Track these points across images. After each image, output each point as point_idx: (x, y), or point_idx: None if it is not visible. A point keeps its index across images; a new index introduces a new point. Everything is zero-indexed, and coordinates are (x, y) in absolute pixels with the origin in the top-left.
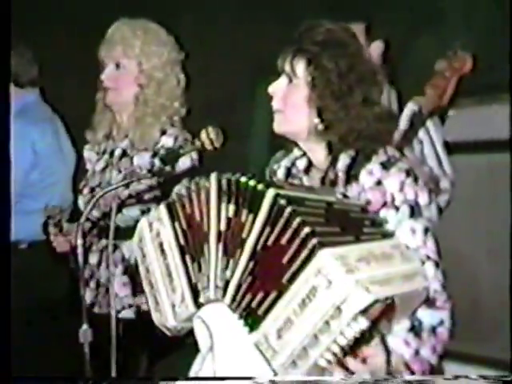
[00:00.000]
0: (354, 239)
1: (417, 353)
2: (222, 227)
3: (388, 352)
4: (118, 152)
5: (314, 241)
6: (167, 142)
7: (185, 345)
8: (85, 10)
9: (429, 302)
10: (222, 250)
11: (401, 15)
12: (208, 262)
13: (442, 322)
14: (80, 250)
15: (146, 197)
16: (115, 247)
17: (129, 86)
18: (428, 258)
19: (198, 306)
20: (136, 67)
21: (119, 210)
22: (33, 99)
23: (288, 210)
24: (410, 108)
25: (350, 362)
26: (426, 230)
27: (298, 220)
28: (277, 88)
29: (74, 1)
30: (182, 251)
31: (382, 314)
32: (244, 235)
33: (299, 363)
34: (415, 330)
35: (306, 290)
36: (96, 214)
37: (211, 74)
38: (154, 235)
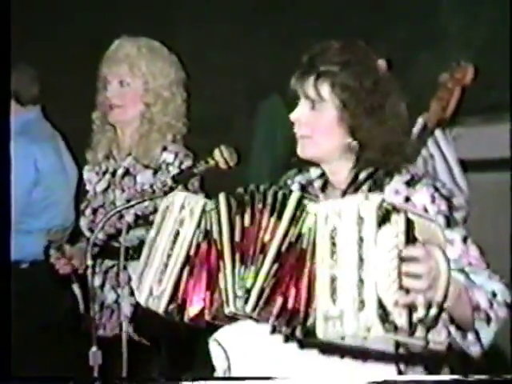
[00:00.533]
0: None
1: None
2: (238, 238)
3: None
4: (120, 171)
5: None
6: (168, 157)
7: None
8: (86, 27)
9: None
10: (238, 259)
11: (401, 32)
12: (225, 276)
13: (495, 293)
14: (90, 271)
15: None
16: (119, 270)
17: (135, 104)
18: (470, 264)
19: (167, 313)
20: (142, 85)
21: (127, 230)
22: (34, 117)
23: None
24: (419, 123)
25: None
26: (465, 239)
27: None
28: (300, 114)
29: (74, 18)
30: (187, 258)
31: (407, 233)
32: (266, 239)
33: (366, 298)
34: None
35: (327, 240)
36: (99, 235)
37: (208, 92)
38: (179, 219)
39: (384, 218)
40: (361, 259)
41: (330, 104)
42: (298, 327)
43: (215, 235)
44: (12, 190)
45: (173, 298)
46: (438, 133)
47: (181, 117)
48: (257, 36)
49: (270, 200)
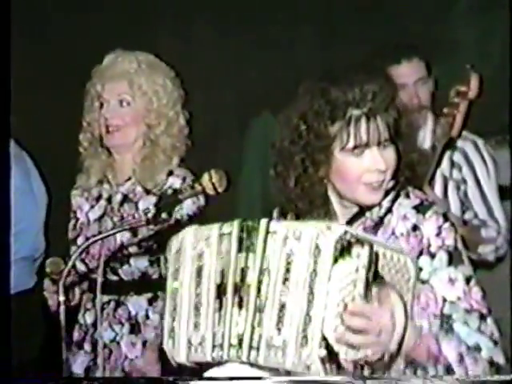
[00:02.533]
0: None
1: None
2: (238, 278)
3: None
4: (118, 197)
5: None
6: (175, 183)
7: None
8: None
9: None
10: (237, 304)
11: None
12: (224, 316)
13: (478, 347)
14: (62, 308)
15: (155, 246)
16: (118, 303)
17: (136, 125)
18: (469, 311)
19: (215, 357)
20: (144, 105)
21: (127, 261)
22: None
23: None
24: (426, 143)
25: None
26: (469, 279)
27: None
28: (392, 160)
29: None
30: (218, 290)
31: (368, 267)
32: (249, 280)
33: (309, 335)
34: (446, 329)
35: (283, 263)
36: (90, 266)
37: (197, 108)
38: (196, 255)
39: (343, 252)
40: (311, 293)
41: (389, 142)
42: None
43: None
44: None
45: (215, 337)
46: (472, 154)
47: (185, 138)
48: (247, 49)
49: (251, 236)
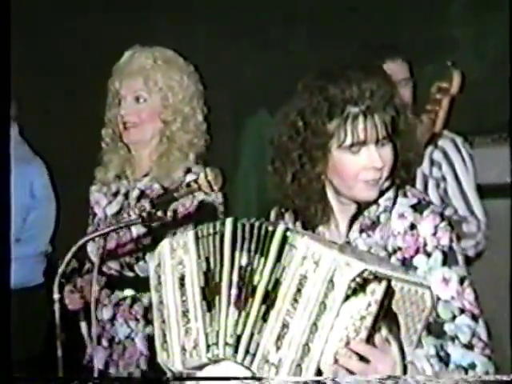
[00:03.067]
0: None
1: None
2: (235, 277)
3: (403, 356)
4: (135, 193)
5: (294, 235)
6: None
7: None
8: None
9: (466, 346)
10: (233, 302)
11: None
12: (218, 315)
13: (473, 365)
14: (57, 306)
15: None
16: (134, 300)
17: (152, 122)
18: (462, 311)
19: (210, 357)
20: (160, 101)
21: (143, 257)
22: (14, 136)
23: (293, 237)
24: None
25: (352, 363)
26: (463, 280)
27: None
28: (389, 158)
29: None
30: (204, 292)
31: (381, 303)
32: (255, 282)
33: (304, 365)
34: (441, 358)
35: (296, 282)
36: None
37: None
38: (176, 263)
39: (356, 290)
40: (315, 324)
41: (387, 140)
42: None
43: (214, 265)
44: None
45: (208, 337)
46: (452, 152)
47: (202, 134)
48: (244, 49)
49: (259, 238)
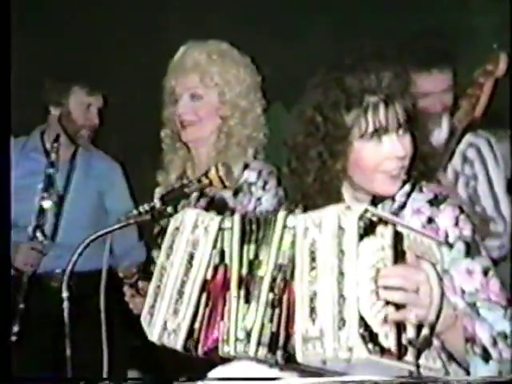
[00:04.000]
0: None
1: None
2: (244, 271)
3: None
4: (195, 193)
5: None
6: (250, 176)
7: None
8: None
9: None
10: (243, 296)
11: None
12: (229, 312)
13: (505, 335)
14: (66, 304)
15: None
16: None
17: (210, 119)
18: (488, 301)
19: (186, 349)
20: (217, 97)
21: None
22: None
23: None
24: (444, 128)
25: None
26: (487, 271)
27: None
28: (409, 149)
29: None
30: (204, 284)
31: (395, 247)
32: (262, 273)
33: (346, 316)
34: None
35: (307, 253)
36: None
37: None
38: (191, 240)
39: (367, 230)
40: (341, 273)
41: (408, 129)
42: (278, 352)
43: (227, 260)
44: None
45: (191, 330)
46: (486, 151)
47: (261, 127)
48: (259, 41)
49: (264, 229)
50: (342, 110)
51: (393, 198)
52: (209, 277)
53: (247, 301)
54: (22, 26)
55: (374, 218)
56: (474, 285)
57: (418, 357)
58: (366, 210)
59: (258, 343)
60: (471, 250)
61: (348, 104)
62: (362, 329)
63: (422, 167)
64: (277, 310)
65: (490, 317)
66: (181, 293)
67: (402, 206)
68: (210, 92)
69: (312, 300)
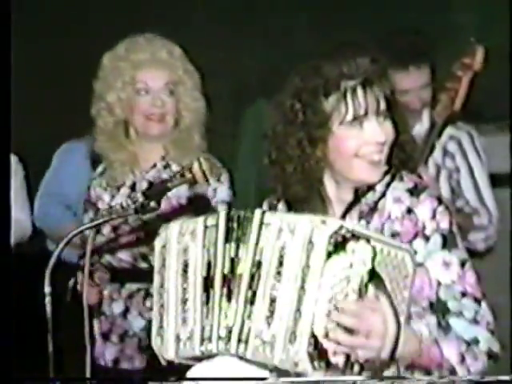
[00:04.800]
0: None
1: (437, 342)
2: (226, 270)
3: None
4: (144, 184)
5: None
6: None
7: None
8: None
9: (470, 321)
10: (225, 295)
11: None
12: (212, 309)
13: (476, 340)
14: (48, 300)
15: None
16: (148, 292)
17: (173, 112)
18: (464, 294)
19: (204, 351)
20: (181, 91)
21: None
22: None
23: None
24: (424, 121)
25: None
26: (463, 263)
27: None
28: (389, 134)
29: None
30: (206, 283)
31: (364, 263)
32: (240, 271)
33: (298, 331)
34: (442, 326)
35: (276, 255)
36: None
37: None
38: (182, 249)
39: (337, 247)
40: (303, 288)
41: (388, 115)
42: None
43: (211, 258)
44: None
45: (204, 330)
46: (467, 144)
47: (207, 123)
48: (244, 37)
49: (243, 227)
50: (320, 97)
51: (373, 188)
52: (205, 274)
53: (229, 299)
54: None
55: (348, 235)
56: (450, 276)
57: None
58: (341, 227)
59: (239, 340)
60: (448, 243)
61: (326, 90)
62: (312, 347)
63: (402, 156)
64: (255, 307)
65: (460, 326)
66: (184, 300)
67: (382, 196)
68: (178, 86)
69: (271, 303)
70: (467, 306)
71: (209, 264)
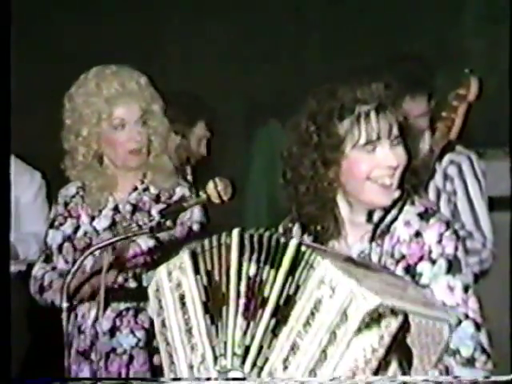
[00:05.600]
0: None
1: None
2: (243, 288)
3: None
4: (128, 207)
5: (314, 255)
6: (185, 192)
7: None
8: None
9: (468, 361)
10: (241, 313)
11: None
12: (226, 326)
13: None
14: (65, 315)
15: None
16: (138, 310)
17: (146, 142)
18: (467, 317)
19: (219, 368)
20: (153, 121)
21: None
22: None
23: (313, 256)
24: (424, 148)
25: None
26: (467, 288)
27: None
28: (403, 158)
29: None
30: (206, 307)
31: (395, 337)
32: (266, 293)
33: None
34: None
35: (311, 305)
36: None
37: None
38: (174, 286)
39: (370, 323)
40: (324, 352)
41: (400, 140)
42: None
43: (220, 277)
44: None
45: (214, 349)
46: (466, 167)
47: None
48: (255, 59)
49: (269, 249)
50: (334, 120)
51: (387, 211)
52: (204, 298)
53: (245, 317)
54: None
55: (385, 311)
56: (454, 300)
57: None
58: (380, 305)
59: (254, 363)
60: (453, 268)
61: (341, 113)
62: None
63: (415, 181)
64: (278, 341)
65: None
66: (189, 330)
67: (395, 219)
68: (148, 117)
69: (293, 348)
70: (465, 342)
71: (207, 287)
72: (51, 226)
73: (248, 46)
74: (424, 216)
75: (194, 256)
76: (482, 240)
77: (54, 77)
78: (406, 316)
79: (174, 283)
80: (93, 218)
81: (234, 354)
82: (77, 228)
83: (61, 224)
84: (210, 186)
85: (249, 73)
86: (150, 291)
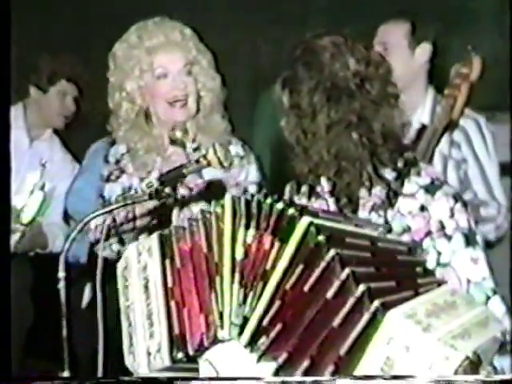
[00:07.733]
0: (413, 294)
1: None
2: (239, 255)
3: None
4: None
5: (376, 303)
6: (238, 150)
7: None
8: None
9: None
10: (238, 281)
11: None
12: (221, 296)
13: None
14: (62, 284)
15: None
16: None
17: (194, 94)
18: (495, 292)
19: (174, 360)
20: (199, 71)
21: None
22: None
23: (330, 253)
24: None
25: None
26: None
27: (346, 271)
28: None
29: None
30: (167, 295)
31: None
32: (268, 266)
33: None
34: None
35: (380, 364)
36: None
37: None
38: (141, 268)
39: None
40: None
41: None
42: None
43: (209, 245)
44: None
45: (172, 340)
46: (473, 133)
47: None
48: (259, 22)
49: (274, 219)
50: None
51: (388, 184)
52: (170, 284)
53: (243, 286)
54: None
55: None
56: (481, 273)
57: None
58: (466, 359)
59: (252, 337)
60: (470, 240)
61: None
62: None
63: (392, 143)
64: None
65: None
66: (150, 315)
67: (395, 190)
68: (194, 67)
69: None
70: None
71: (176, 276)
72: (107, 180)
73: (252, 12)
74: (429, 189)
75: (162, 238)
76: (497, 206)
77: None
78: (478, 356)
79: (141, 265)
80: (142, 180)
81: (231, 323)
82: (130, 187)
83: (117, 177)
84: (210, 151)
85: (253, 38)
86: (119, 267)
